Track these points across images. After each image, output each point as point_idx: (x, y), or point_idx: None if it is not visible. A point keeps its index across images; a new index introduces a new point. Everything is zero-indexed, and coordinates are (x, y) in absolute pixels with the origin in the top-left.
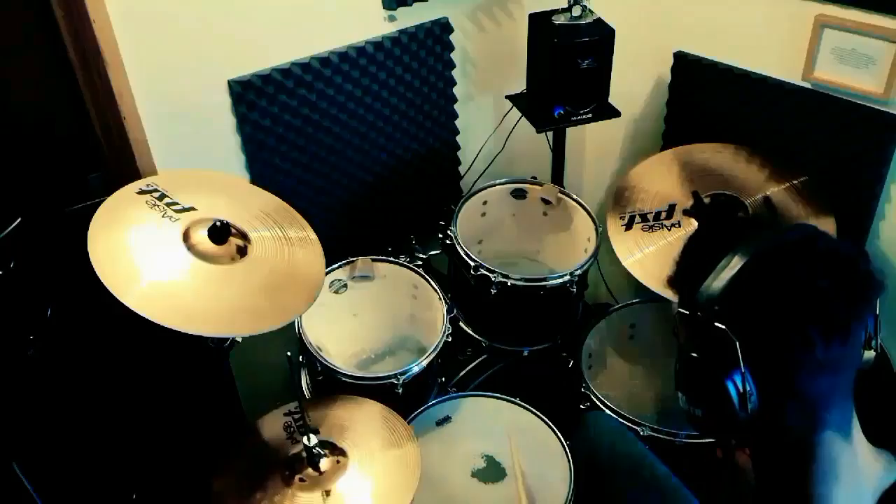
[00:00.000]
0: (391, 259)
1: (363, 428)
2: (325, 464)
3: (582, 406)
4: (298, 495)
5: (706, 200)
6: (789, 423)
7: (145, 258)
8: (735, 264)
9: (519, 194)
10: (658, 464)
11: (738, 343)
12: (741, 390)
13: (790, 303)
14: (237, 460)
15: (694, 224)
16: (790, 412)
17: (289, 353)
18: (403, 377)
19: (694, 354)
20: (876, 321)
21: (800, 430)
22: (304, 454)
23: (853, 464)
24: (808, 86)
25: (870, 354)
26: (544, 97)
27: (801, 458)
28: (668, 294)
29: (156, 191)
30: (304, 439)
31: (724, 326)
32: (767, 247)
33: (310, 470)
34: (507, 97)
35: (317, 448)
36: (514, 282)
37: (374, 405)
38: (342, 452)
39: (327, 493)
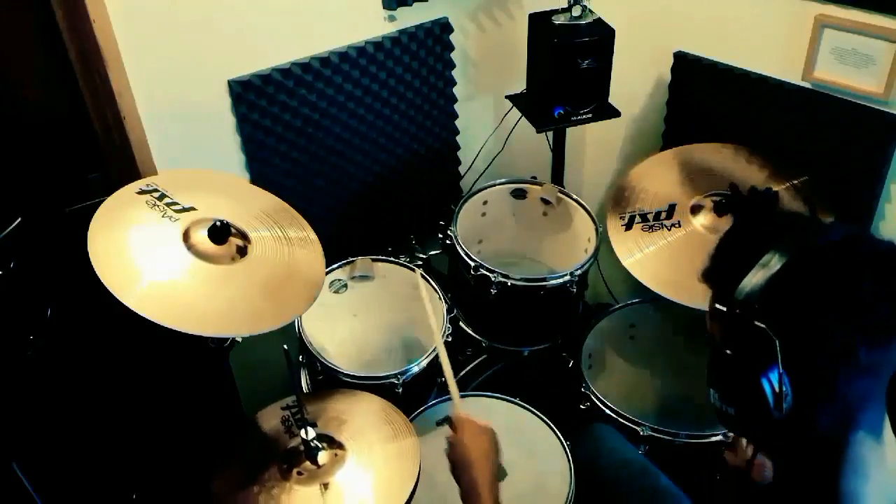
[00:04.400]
0: (391, 259)
1: (361, 421)
2: (323, 457)
3: (582, 406)
4: (296, 489)
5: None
6: (822, 424)
7: (145, 258)
8: (776, 262)
9: (519, 194)
10: (660, 476)
11: (777, 343)
12: (777, 390)
13: (834, 305)
14: (235, 455)
15: (696, 223)
16: (825, 414)
17: (285, 347)
18: (403, 377)
19: (728, 352)
20: None
21: (832, 431)
22: (302, 447)
23: (882, 463)
24: (808, 86)
25: None
26: (544, 97)
27: (832, 456)
28: (669, 294)
29: (156, 191)
30: (302, 433)
31: (763, 325)
32: (809, 245)
33: (308, 463)
34: (507, 97)
35: (315, 441)
36: (514, 282)
37: (372, 398)
38: (340, 445)
39: (325, 486)
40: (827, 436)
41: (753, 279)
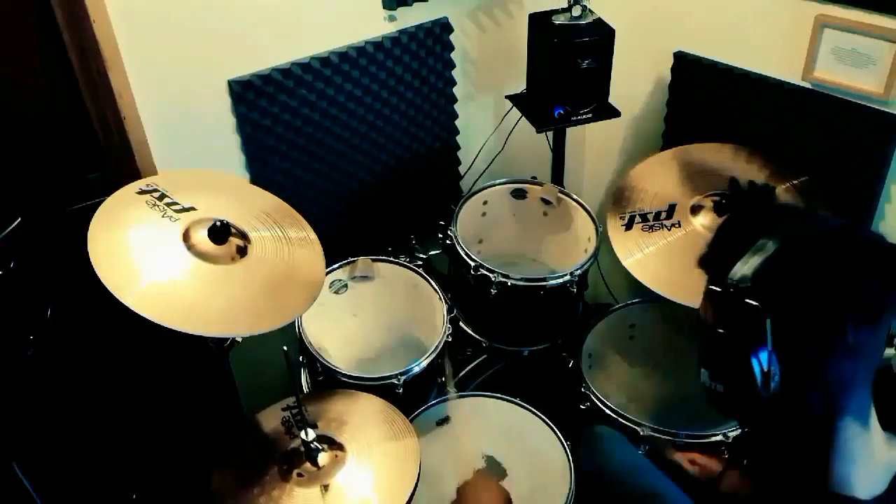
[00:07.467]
0: (391, 259)
1: (361, 422)
2: (323, 458)
3: (582, 406)
4: (297, 490)
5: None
6: (809, 406)
7: (145, 258)
8: (771, 247)
9: (519, 194)
10: (662, 479)
11: (768, 321)
12: (766, 369)
13: (826, 285)
14: (235, 456)
15: (696, 223)
16: (811, 395)
17: (285, 348)
18: (403, 377)
19: (721, 331)
20: None
21: (820, 415)
22: (302, 449)
23: (869, 450)
24: (808, 86)
25: (890, 352)
26: (544, 97)
27: (821, 442)
28: (669, 294)
29: (156, 191)
30: (303, 434)
31: (756, 303)
32: (805, 231)
33: (308, 464)
34: (507, 97)
35: (315, 442)
36: (514, 282)
37: (372, 399)
38: (340, 447)
39: (326, 487)
40: (814, 419)
41: (748, 261)
